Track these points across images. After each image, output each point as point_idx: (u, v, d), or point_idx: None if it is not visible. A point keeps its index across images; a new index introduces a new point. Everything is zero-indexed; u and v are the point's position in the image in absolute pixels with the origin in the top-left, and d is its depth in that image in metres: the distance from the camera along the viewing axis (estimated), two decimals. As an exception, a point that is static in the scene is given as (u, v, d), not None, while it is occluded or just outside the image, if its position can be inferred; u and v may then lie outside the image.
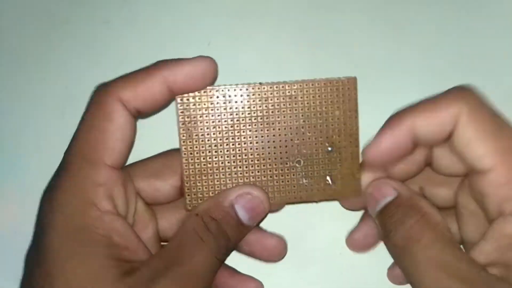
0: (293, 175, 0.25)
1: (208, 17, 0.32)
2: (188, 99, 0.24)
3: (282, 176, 0.25)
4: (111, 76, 0.31)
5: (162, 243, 0.27)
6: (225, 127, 0.25)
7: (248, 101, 0.25)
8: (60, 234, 0.21)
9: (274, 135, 0.25)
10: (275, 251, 0.27)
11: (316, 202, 0.26)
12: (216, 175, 0.25)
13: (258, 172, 0.25)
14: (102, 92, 0.23)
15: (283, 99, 0.25)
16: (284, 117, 0.25)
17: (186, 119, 0.24)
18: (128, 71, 0.30)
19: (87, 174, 0.22)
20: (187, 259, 0.22)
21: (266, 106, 0.25)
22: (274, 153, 0.25)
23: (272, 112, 0.25)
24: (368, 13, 0.32)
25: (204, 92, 0.24)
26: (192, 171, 0.25)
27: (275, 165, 0.25)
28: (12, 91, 0.31)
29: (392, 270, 0.27)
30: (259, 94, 0.25)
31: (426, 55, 0.31)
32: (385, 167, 0.25)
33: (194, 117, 0.24)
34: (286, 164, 0.25)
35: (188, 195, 0.25)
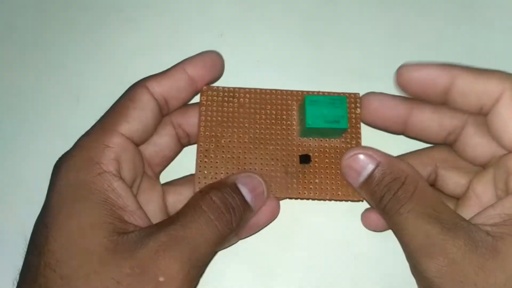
0: (291, 177, 0.26)
1: (220, 8, 0.33)
2: (210, 92, 0.27)
3: (284, 175, 0.26)
4: (124, 64, 0.32)
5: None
6: (236, 124, 0.27)
7: (255, 105, 0.27)
8: (61, 190, 0.22)
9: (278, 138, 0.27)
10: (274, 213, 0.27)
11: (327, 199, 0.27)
12: (227, 165, 0.26)
13: (261, 169, 0.26)
14: (132, 85, 0.26)
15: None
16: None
17: (208, 112, 0.27)
18: (142, 59, 0.31)
19: (98, 137, 0.24)
20: (183, 225, 0.22)
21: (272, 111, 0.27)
22: (277, 153, 0.27)
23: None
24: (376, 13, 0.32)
25: (226, 90, 0.27)
26: (206, 160, 0.26)
27: (278, 163, 0.27)
28: (28, 77, 0.32)
29: (367, 215, 0.27)
30: (268, 99, 0.27)
31: (426, 56, 0.30)
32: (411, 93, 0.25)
33: (213, 112, 0.27)
34: (289, 165, 0.27)
35: (199, 182, 0.26)
